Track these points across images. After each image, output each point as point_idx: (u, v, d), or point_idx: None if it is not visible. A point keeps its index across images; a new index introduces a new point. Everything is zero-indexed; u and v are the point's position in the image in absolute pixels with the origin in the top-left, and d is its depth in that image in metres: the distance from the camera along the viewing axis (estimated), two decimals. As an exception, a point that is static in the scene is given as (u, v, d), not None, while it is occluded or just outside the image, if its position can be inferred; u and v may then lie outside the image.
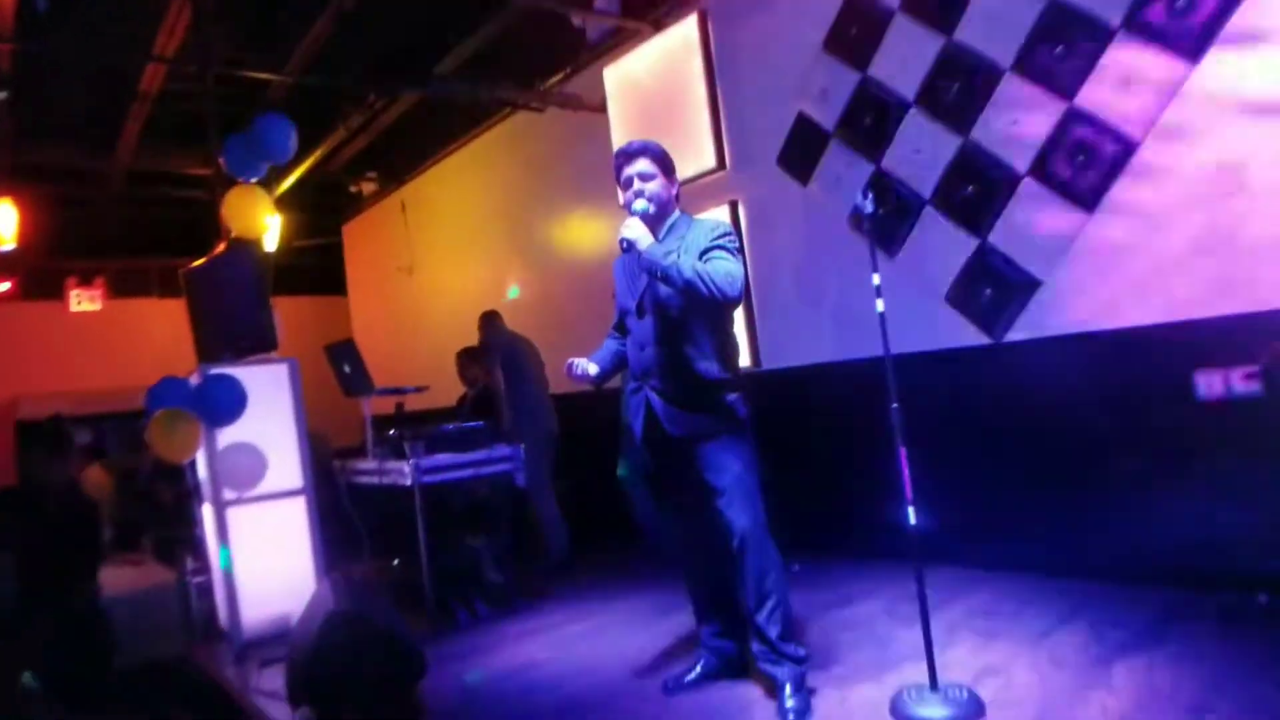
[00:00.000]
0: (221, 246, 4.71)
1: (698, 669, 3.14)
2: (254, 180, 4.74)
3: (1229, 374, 3.41)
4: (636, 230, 2.82)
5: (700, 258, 2.83)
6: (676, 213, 3.06)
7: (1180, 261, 3.52)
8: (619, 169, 3.04)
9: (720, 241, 2.88)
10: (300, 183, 8.38)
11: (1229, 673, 2.70)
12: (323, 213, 10.71)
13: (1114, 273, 3.73)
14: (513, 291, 7.47)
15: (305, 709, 3.11)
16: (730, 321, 3.03)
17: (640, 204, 2.93)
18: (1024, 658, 3.03)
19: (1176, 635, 3.06)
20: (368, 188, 9.89)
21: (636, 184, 2.97)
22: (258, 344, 4.43)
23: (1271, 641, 2.90)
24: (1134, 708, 2.54)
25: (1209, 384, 3.47)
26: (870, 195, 2.82)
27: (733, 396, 2.93)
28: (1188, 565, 3.51)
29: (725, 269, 2.77)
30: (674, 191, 3.06)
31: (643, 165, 2.98)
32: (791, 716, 2.76)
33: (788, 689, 2.82)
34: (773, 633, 2.86)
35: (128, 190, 9.45)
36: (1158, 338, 3.60)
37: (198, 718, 4.14)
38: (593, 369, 3.07)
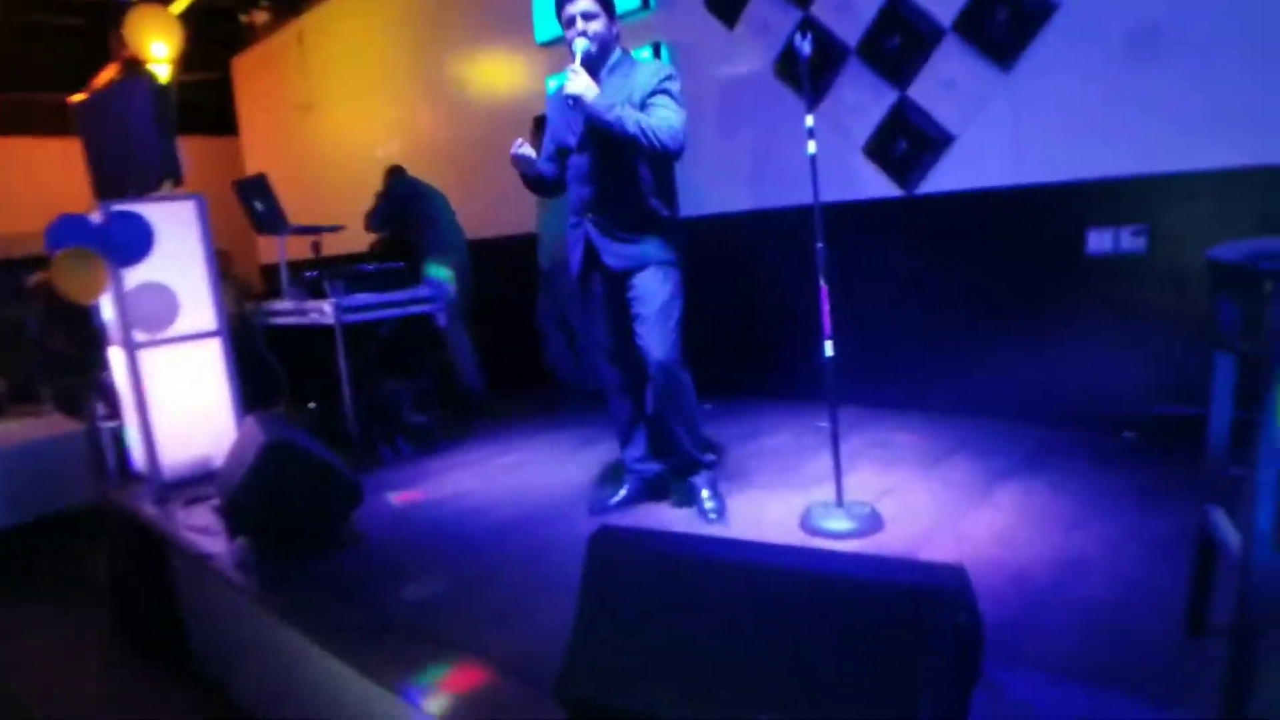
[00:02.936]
0: (113, 72, 4.42)
1: (623, 492, 3.36)
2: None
3: (1118, 231, 3.66)
4: (580, 84, 2.81)
5: (643, 104, 2.88)
6: (618, 52, 3.05)
7: (1085, 122, 3.69)
8: (560, 6, 2.99)
9: (665, 86, 2.91)
10: (185, 10, 7.77)
11: (1097, 496, 3.02)
12: (209, 45, 9.95)
13: (1023, 131, 3.90)
14: None
15: (243, 539, 3.20)
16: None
17: (581, 43, 2.90)
18: (918, 481, 3.33)
19: (1052, 465, 3.38)
20: (260, 18, 9.22)
21: (580, 24, 2.94)
22: (163, 177, 4.23)
23: (1135, 471, 3.24)
24: (1014, 523, 2.84)
25: (1099, 240, 3.72)
26: (809, 35, 2.85)
27: (669, 230, 3.07)
28: (1067, 405, 3.85)
29: (668, 122, 2.83)
30: (615, 30, 3.04)
31: (585, 4, 2.94)
32: (712, 515, 3.09)
33: (705, 493, 3.15)
34: (686, 443, 3.14)
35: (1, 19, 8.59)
36: (1057, 195, 3.81)
37: (121, 556, 4.19)
38: (534, 155, 3.07)
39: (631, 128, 2.78)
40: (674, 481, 3.31)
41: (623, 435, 3.36)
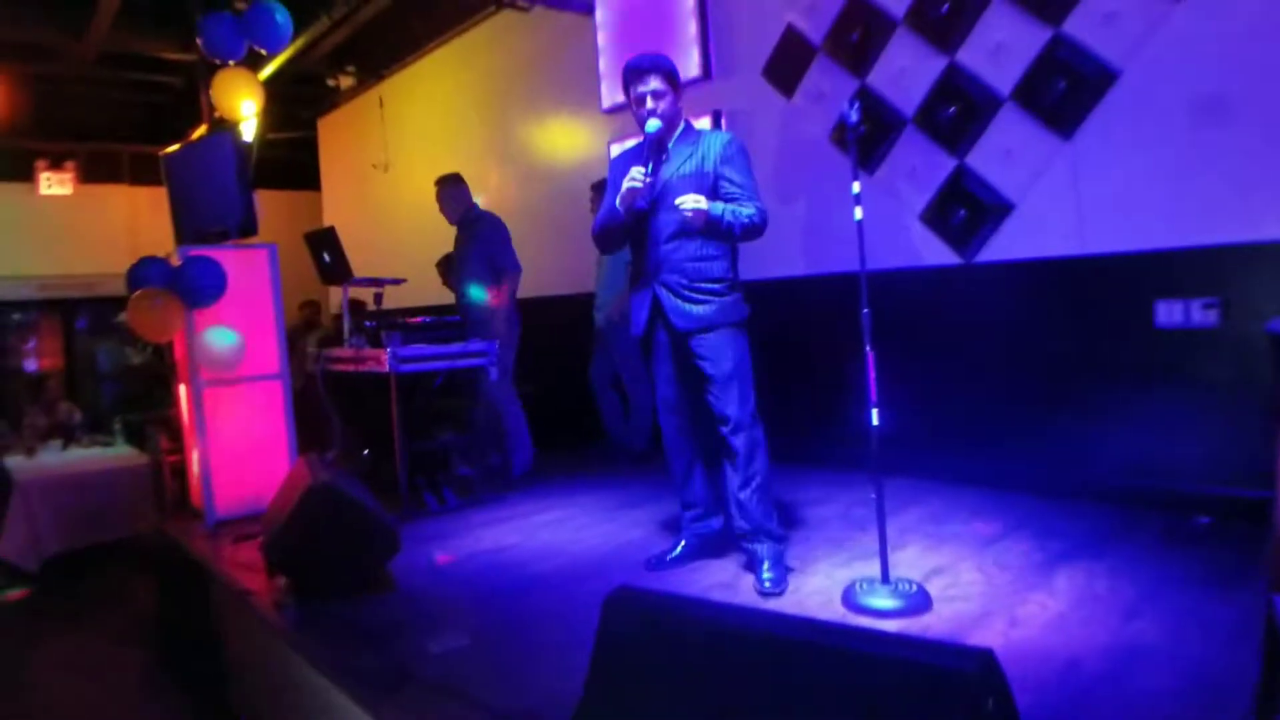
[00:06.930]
0: (203, 129, 4.66)
1: (680, 547, 3.34)
2: (233, 63, 4.69)
3: (1189, 304, 3.53)
4: (695, 202, 2.92)
5: (715, 175, 3.06)
6: (683, 123, 3.19)
7: (1149, 192, 3.60)
8: (628, 84, 3.12)
9: (735, 157, 3.09)
10: (276, 73, 8.17)
11: (1162, 583, 2.84)
12: (298, 105, 10.45)
13: (1085, 200, 3.81)
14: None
15: (282, 578, 3.22)
16: None
17: (653, 123, 3.04)
18: (970, 561, 3.18)
19: (1115, 547, 3.21)
20: (345, 82, 9.65)
21: (650, 102, 3.07)
22: (239, 228, 4.42)
23: (1205, 558, 3.04)
24: (1070, 608, 2.69)
25: (1169, 312, 3.59)
26: (857, 104, 2.86)
27: (736, 293, 3.15)
28: (1133, 485, 3.68)
29: (757, 208, 3.06)
30: (680, 104, 3.17)
31: (655, 83, 3.07)
32: (768, 585, 2.98)
33: (765, 565, 3.05)
34: (756, 511, 3.09)
35: (102, 73, 9.14)
36: (1123, 265, 3.70)
37: (168, 586, 4.27)
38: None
39: (745, 221, 3.02)
40: (743, 542, 3.17)
41: (682, 493, 3.36)
